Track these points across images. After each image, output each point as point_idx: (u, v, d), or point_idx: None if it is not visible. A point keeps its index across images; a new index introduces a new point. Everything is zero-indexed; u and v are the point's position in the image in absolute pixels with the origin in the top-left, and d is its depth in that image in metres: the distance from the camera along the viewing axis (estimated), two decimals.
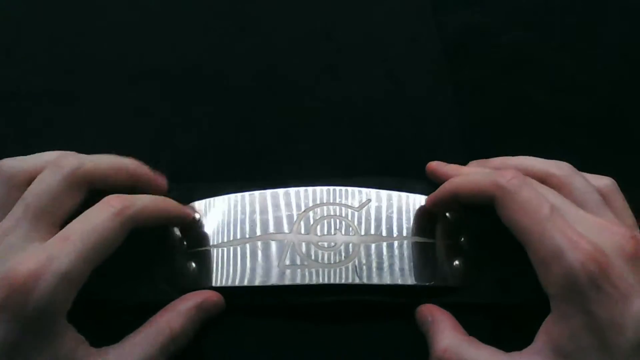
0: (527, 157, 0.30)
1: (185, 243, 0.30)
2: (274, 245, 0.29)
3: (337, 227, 0.30)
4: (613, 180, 0.29)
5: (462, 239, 0.30)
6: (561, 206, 0.26)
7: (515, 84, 0.39)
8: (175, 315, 0.27)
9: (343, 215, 0.30)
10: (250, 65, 0.39)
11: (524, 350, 0.25)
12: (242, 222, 0.30)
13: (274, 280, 0.28)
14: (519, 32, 0.41)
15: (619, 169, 0.35)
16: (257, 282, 0.28)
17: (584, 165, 0.29)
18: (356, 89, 0.38)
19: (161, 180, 0.30)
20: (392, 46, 0.40)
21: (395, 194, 0.31)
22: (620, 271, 0.23)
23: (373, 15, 0.42)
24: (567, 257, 0.23)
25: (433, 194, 0.30)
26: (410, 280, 0.29)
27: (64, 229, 0.25)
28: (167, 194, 0.31)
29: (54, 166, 0.26)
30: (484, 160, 0.31)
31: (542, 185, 0.27)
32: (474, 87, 0.38)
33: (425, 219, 0.31)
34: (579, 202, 0.26)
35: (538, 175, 0.28)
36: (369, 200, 0.31)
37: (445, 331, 0.27)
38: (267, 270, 0.29)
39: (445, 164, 0.32)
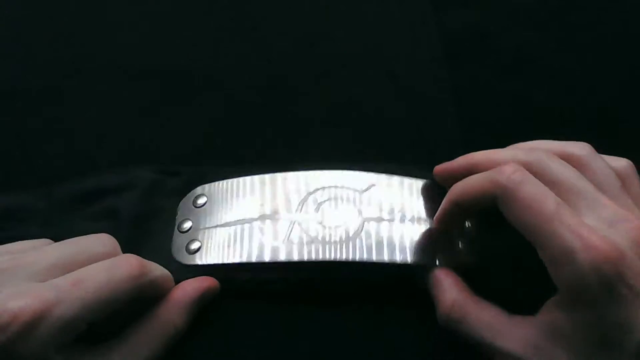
0: (543, 141, 0.28)
1: (191, 222, 0.30)
2: (279, 225, 0.30)
3: (341, 209, 0.30)
4: (630, 162, 0.27)
5: (468, 224, 0.30)
6: (579, 188, 0.24)
7: (515, 84, 0.38)
8: (178, 310, 0.27)
9: (348, 197, 0.30)
10: (250, 65, 0.39)
11: (526, 318, 0.25)
12: (248, 202, 0.30)
13: (278, 257, 0.29)
14: (519, 32, 0.41)
15: None
16: (260, 259, 0.29)
17: None
18: (356, 89, 0.38)
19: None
20: (392, 46, 0.40)
21: (399, 178, 0.31)
22: (636, 268, 0.22)
23: (373, 16, 0.42)
24: (578, 259, 0.22)
25: (438, 212, 0.29)
26: (411, 260, 0.29)
27: (79, 271, 0.24)
28: (177, 177, 0.32)
29: (129, 275, 0.24)
30: (495, 150, 0.29)
31: (560, 161, 0.26)
32: (474, 87, 0.38)
33: (429, 203, 0.31)
34: (597, 185, 0.25)
35: (556, 154, 0.26)
36: (373, 185, 0.31)
37: (450, 289, 0.27)
38: (271, 248, 0.29)
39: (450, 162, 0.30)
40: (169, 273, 0.28)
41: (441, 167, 0.30)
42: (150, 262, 0.26)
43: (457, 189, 0.27)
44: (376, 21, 0.41)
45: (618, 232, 0.23)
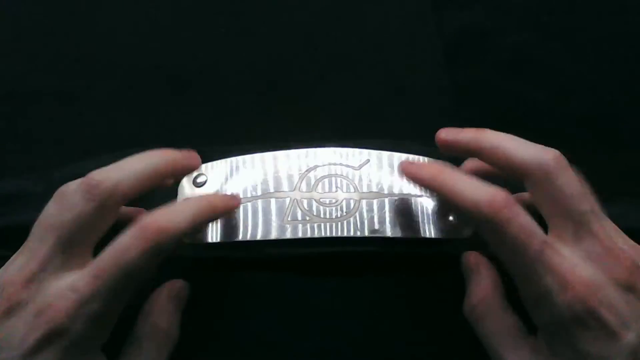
0: (506, 139, 0.26)
1: None
2: (277, 203, 0.30)
3: (338, 185, 0.31)
4: (558, 152, 0.26)
5: None
6: (570, 214, 0.24)
7: (515, 84, 0.38)
8: (158, 314, 0.27)
9: (343, 174, 0.31)
10: (250, 64, 0.39)
11: (534, 343, 0.25)
12: (246, 182, 0.31)
13: (280, 234, 0.29)
14: (519, 32, 0.41)
15: (619, 168, 0.35)
16: (263, 236, 0.29)
17: (584, 165, 0.29)
18: (356, 89, 0.38)
19: (193, 160, 0.30)
20: (392, 46, 0.40)
21: (392, 154, 0.32)
22: (612, 305, 0.23)
23: (373, 15, 0.42)
24: (553, 300, 0.23)
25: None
26: (407, 234, 0.30)
27: (95, 262, 0.24)
28: None
29: (84, 192, 0.25)
30: (456, 130, 0.28)
31: (568, 175, 0.25)
32: (474, 87, 0.38)
33: None
34: (591, 210, 0.25)
35: (520, 170, 0.25)
36: (368, 161, 0.32)
37: (484, 285, 0.27)
38: (270, 226, 0.30)
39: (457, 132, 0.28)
40: (196, 199, 0.28)
41: (446, 135, 0.28)
42: (168, 213, 0.25)
43: (454, 190, 0.25)
44: (376, 21, 0.41)
45: (595, 269, 0.23)
